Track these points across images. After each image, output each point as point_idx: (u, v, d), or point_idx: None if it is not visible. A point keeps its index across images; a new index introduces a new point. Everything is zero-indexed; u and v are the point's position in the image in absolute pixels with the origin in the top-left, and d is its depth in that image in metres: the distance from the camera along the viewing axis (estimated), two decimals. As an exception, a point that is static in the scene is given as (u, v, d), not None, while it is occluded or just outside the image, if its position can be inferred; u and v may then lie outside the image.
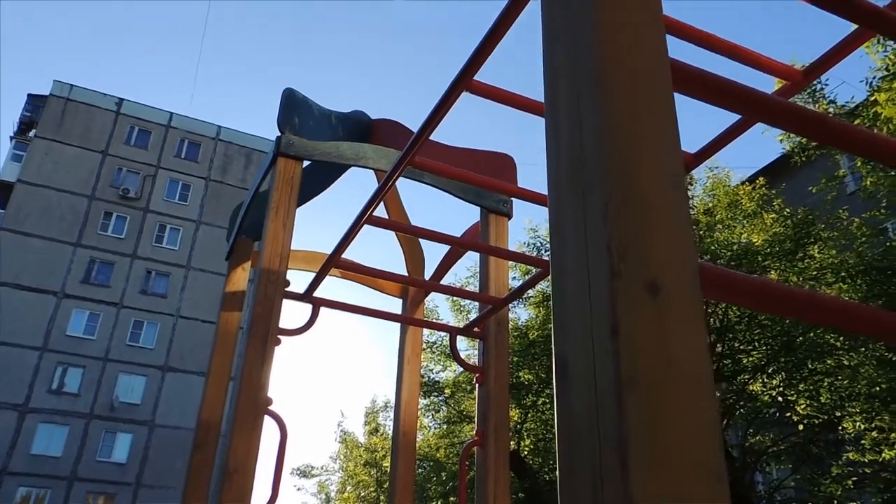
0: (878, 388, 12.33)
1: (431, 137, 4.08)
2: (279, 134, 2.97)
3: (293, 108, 3.13)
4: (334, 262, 2.56)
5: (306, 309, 3.06)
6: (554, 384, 0.66)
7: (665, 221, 0.66)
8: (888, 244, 11.80)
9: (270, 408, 2.89)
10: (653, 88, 0.74)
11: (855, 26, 1.39)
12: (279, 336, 2.87)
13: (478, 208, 3.42)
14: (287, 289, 2.93)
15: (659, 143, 0.71)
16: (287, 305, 2.90)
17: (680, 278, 0.64)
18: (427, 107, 1.84)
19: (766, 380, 14.48)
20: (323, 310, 3.06)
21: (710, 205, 15.58)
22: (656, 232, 0.65)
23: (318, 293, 3.00)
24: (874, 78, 10.82)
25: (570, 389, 0.64)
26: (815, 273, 13.48)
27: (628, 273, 0.63)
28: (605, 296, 0.62)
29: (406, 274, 4.44)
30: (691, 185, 15.47)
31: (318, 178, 3.87)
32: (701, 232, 14.69)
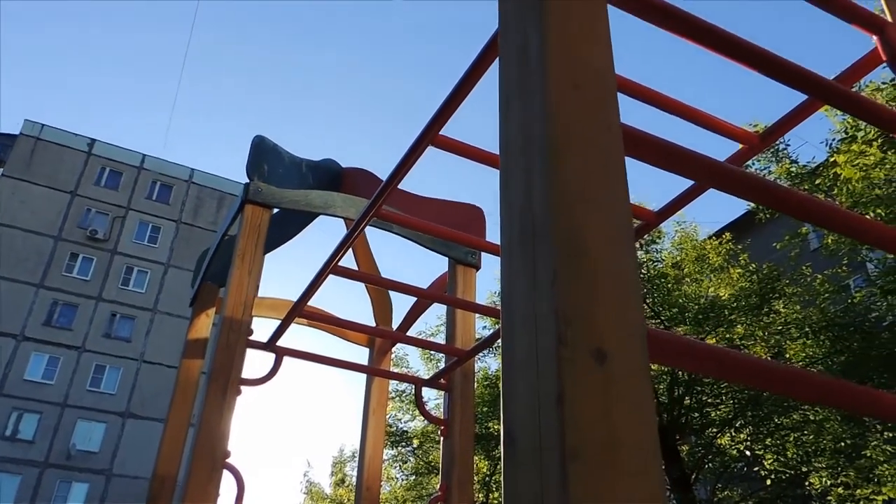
0: (843, 444, 12.41)
1: (404, 187, 4.10)
2: (248, 181, 2.96)
3: (263, 155, 3.13)
4: (298, 312, 2.52)
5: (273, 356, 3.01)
6: (501, 453, 0.65)
7: (614, 287, 0.67)
8: (849, 301, 12.04)
9: (229, 461, 2.81)
10: (604, 154, 0.75)
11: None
12: (241, 386, 2.81)
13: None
14: (251, 337, 2.88)
15: (609, 209, 0.71)
16: (254, 353, 2.85)
17: (627, 345, 0.64)
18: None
19: (733, 434, 14.50)
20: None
21: (679, 258, 15.82)
22: (604, 298, 0.66)
23: (284, 341, 2.95)
24: (833, 140, 11.21)
25: (515, 459, 0.62)
26: (780, 328, 13.68)
27: (575, 340, 0.62)
28: (551, 363, 0.62)
29: (374, 322, 4.41)
30: (660, 239, 15.71)
31: (287, 225, 3.85)
32: (669, 285, 14.87)
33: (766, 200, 1.04)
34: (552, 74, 0.78)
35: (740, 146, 1.79)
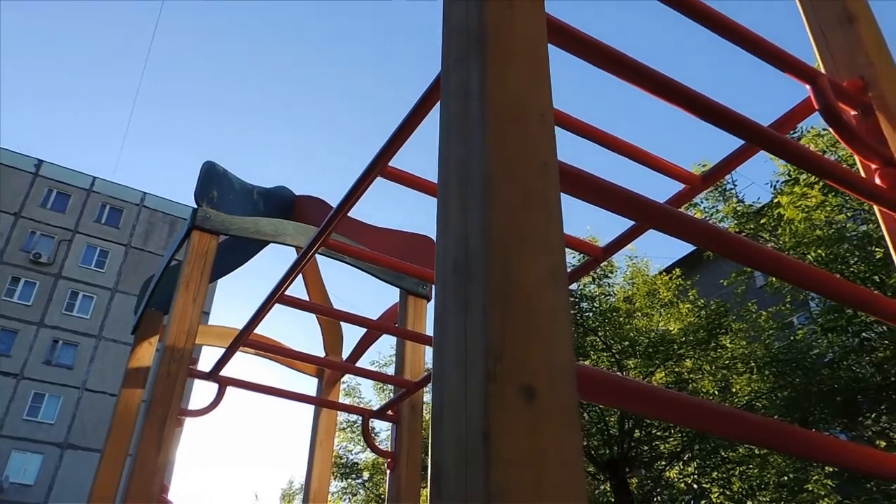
0: (786, 478, 12.65)
1: (358, 217, 4.07)
2: (195, 206, 2.92)
3: (212, 180, 3.09)
4: (243, 341, 2.47)
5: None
6: (428, 490, 0.64)
7: (545, 325, 0.67)
8: (792, 338, 12.38)
9: (167, 496, 2.72)
10: (540, 191, 0.76)
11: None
12: (181, 417, 2.73)
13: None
14: (195, 366, 2.81)
15: (543, 246, 0.72)
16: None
17: (557, 382, 0.64)
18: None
19: (681, 467, 14.65)
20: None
21: (630, 293, 16.07)
22: (535, 335, 0.66)
23: (233, 370, 2.88)
24: (777, 181, 11.62)
25: (441, 496, 0.62)
26: (727, 363, 13.96)
27: (503, 376, 0.62)
28: (480, 399, 0.61)
29: (324, 352, 4.34)
30: (612, 273, 15.97)
31: (237, 252, 3.80)
32: (621, 319, 15.08)
33: (702, 241, 1.07)
34: (491, 111, 0.79)
35: (683, 186, 1.84)
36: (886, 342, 10.41)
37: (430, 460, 0.66)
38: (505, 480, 0.57)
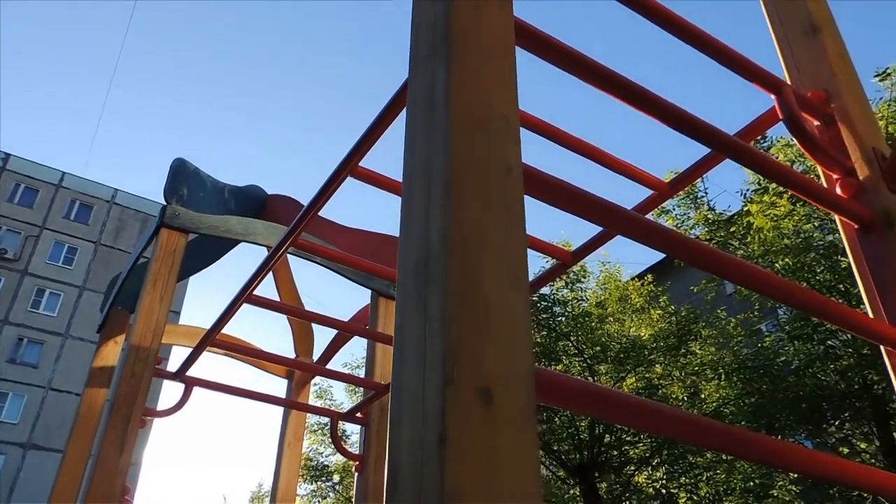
0: (752, 483, 12.82)
1: (331, 217, 4.05)
2: (165, 204, 2.88)
3: (182, 178, 3.05)
4: (210, 341, 2.44)
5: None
6: (384, 493, 0.64)
7: (504, 328, 0.67)
8: (760, 345, 12.57)
9: (129, 498, 2.67)
10: (503, 195, 0.76)
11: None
12: (146, 417, 2.69)
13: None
14: (161, 366, 2.77)
15: (505, 250, 0.72)
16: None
17: (514, 385, 0.64)
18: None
19: (650, 472, 14.78)
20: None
21: (603, 298, 16.20)
22: (494, 338, 0.66)
23: (203, 371, 2.85)
24: (747, 190, 11.81)
25: (395, 500, 0.61)
26: (696, 369, 14.12)
27: (461, 379, 0.62)
28: (437, 402, 0.61)
29: (294, 353, 4.31)
30: (585, 278, 16.08)
31: (207, 251, 3.75)
32: (593, 324, 15.18)
33: (667, 248, 1.07)
34: (455, 114, 0.79)
35: (651, 192, 1.85)
36: (850, 350, 10.62)
37: (387, 462, 0.66)
38: (460, 483, 0.57)
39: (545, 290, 15.37)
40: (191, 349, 3.82)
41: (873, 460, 11.31)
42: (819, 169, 1.50)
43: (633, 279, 16.87)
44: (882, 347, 1.29)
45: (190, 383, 2.76)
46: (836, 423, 11.82)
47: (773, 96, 1.48)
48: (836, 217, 1.44)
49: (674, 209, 13.50)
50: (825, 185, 1.49)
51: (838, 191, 1.43)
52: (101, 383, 3.56)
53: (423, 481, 0.59)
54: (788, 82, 1.63)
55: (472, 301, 0.67)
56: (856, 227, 1.39)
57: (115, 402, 2.48)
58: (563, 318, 15.20)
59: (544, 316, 15.00)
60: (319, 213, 4.15)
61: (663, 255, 20.19)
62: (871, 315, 1.33)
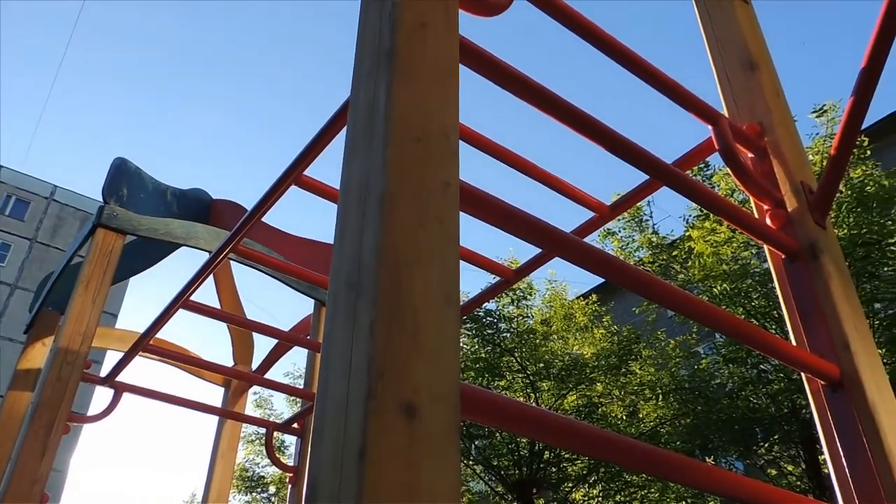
0: (684, 503, 13.08)
1: (279, 225, 3.99)
2: (102, 203, 2.79)
3: (122, 178, 2.97)
4: (143, 346, 2.37)
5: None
6: (302, 506, 0.63)
7: (431, 344, 0.67)
8: (696, 367, 12.89)
9: (47, 506, 2.56)
10: (438, 211, 0.77)
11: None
12: (71, 423, 2.59)
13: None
14: (90, 370, 2.68)
15: (437, 265, 0.72)
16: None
17: (439, 401, 0.64)
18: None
19: (587, 489, 14.95)
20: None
21: (548, 315, 16.37)
22: (421, 354, 0.66)
23: (139, 375, 2.77)
24: (690, 216, 12.14)
25: (313, 514, 0.60)
26: (635, 388, 14.38)
27: (384, 394, 0.62)
28: (359, 416, 0.61)
29: (233, 361, 4.22)
30: (531, 295, 16.23)
31: (145, 253, 3.65)
32: (537, 341, 15.32)
33: (600, 270, 1.09)
34: (394, 127, 0.79)
35: (593, 215, 1.89)
36: (781, 375, 10.99)
37: (307, 474, 0.65)
38: (377, 498, 0.57)
39: (491, 305, 15.45)
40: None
41: (799, 482, 11.69)
42: (751, 200, 1.55)
43: (578, 298, 17.11)
44: (803, 374, 1.34)
45: (120, 389, 2.67)
46: (766, 445, 12.18)
47: (709, 127, 1.53)
48: (766, 246, 1.50)
49: (619, 231, 13.78)
50: (756, 215, 1.55)
51: (768, 221, 1.49)
52: (26, 386, 3.41)
53: (341, 496, 0.59)
54: (727, 115, 1.70)
55: (400, 315, 0.67)
56: (783, 256, 1.45)
57: (39, 406, 2.39)
58: (509, 335, 15.30)
59: (489, 331, 15.07)
60: (268, 222, 4.10)
61: (608, 276, 20.52)
62: (794, 342, 1.38)
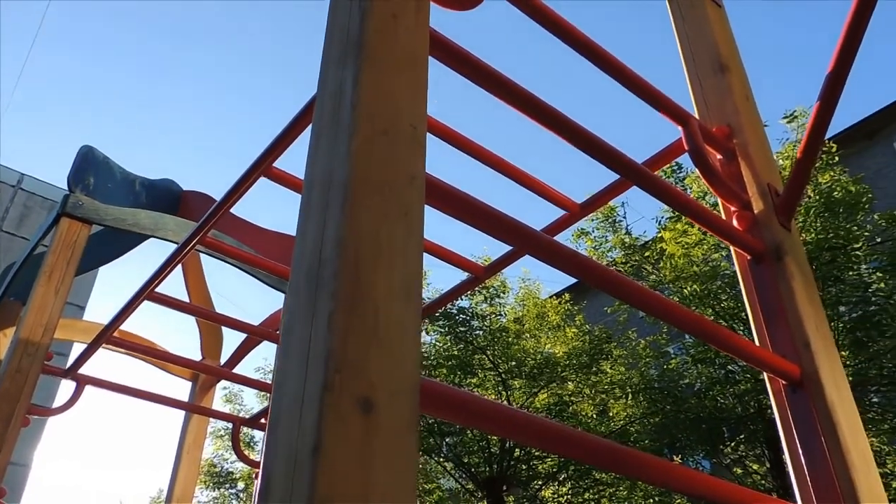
0: (651, 501, 13.24)
1: (257, 220, 3.94)
2: (68, 192, 2.74)
3: (89, 166, 2.91)
4: (106, 338, 2.33)
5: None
6: (255, 502, 0.62)
7: (391, 338, 0.66)
8: (665, 367, 13.05)
9: (2, 501, 2.51)
10: (403, 204, 0.76)
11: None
12: (30, 416, 2.54)
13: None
14: (52, 362, 2.62)
15: (398, 259, 0.72)
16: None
17: (397, 396, 0.64)
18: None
19: (557, 487, 15.06)
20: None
21: (521, 314, 16.44)
22: (380, 348, 0.65)
23: (105, 368, 2.71)
24: (663, 217, 12.27)
25: (265, 509, 0.59)
26: (606, 387, 14.51)
27: (342, 387, 0.61)
28: (314, 410, 0.60)
29: (200, 355, 4.17)
30: (504, 293, 16.29)
31: (112, 244, 3.59)
32: (510, 339, 15.38)
33: (569, 269, 1.09)
34: (361, 118, 0.78)
35: (564, 213, 1.90)
36: (748, 375, 11.16)
37: (261, 469, 0.64)
38: (331, 493, 0.56)
39: (465, 303, 15.48)
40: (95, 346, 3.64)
41: (763, 481, 11.89)
42: (719, 201, 1.57)
43: (551, 297, 17.20)
44: (765, 374, 1.36)
45: (82, 382, 2.62)
46: (732, 444, 12.37)
47: (679, 128, 1.54)
48: (732, 248, 1.51)
49: (593, 231, 13.89)
50: (724, 216, 1.56)
51: (735, 223, 1.50)
52: (-14, 378, 3.34)
53: (293, 491, 0.58)
54: (697, 117, 1.71)
55: (360, 309, 0.66)
56: (748, 258, 1.46)
57: (-3, 398, 2.33)
58: (481, 332, 15.33)
59: (462, 329, 15.10)
60: (239, 215, 4.04)
61: (581, 276, 20.67)
62: (757, 343, 1.40)
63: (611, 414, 14.66)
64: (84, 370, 2.74)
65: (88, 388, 2.82)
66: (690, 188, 11.63)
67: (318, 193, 0.77)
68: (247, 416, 4.16)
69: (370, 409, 0.61)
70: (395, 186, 0.76)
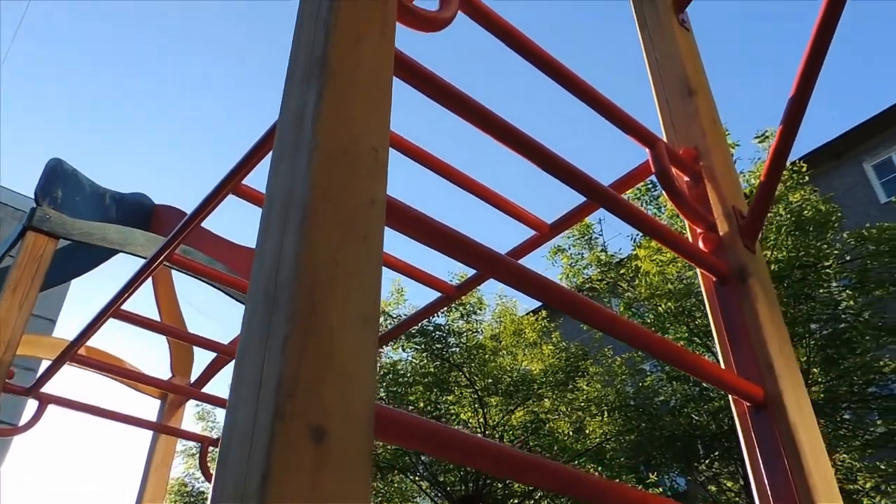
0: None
1: (233, 236, 3.90)
2: (34, 206, 2.69)
3: (57, 179, 2.87)
4: (70, 356, 2.28)
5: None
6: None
7: (346, 363, 0.65)
8: (640, 384, 13.12)
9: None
10: (362, 227, 0.75)
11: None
12: (-10, 435, 2.48)
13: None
14: (13, 381, 2.56)
15: (356, 283, 0.71)
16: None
17: (351, 423, 0.63)
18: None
19: (532, 505, 15.01)
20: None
21: (498, 331, 16.45)
22: (335, 373, 0.64)
23: (74, 385, 2.66)
24: (638, 235, 12.39)
25: (212, 541, 0.58)
26: (582, 404, 14.54)
27: (293, 414, 0.60)
28: (265, 437, 0.59)
29: (171, 372, 4.10)
30: (481, 310, 16.30)
31: (80, 259, 3.53)
32: (486, 356, 15.37)
33: (535, 292, 1.09)
34: (322, 141, 0.78)
35: (534, 233, 1.90)
36: (722, 393, 11.25)
37: (210, 497, 0.63)
38: (278, 525, 0.55)
39: (441, 320, 15.45)
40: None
41: (737, 498, 11.96)
42: (686, 223, 1.58)
43: (528, 314, 17.24)
44: (730, 396, 1.37)
45: (44, 400, 2.56)
46: (707, 461, 12.44)
47: (647, 150, 1.56)
48: (698, 270, 1.53)
49: (569, 248, 13.98)
50: (690, 238, 1.58)
51: (700, 245, 1.52)
52: (-54, 396, 3.25)
53: (242, 522, 0.57)
54: (665, 139, 1.73)
55: (316, 333, 0.65)
56: (714, 279, 1.48)
57: (-44, 417, 2.27)
58: (458, 349, 15.30)
59: (439, 346, 15.06)
60: (213, 231, 4.00)
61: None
62: (722, 365, 1.41)
63: (587, 431, 14.67)
64: (51, 388, 2.69)
65: (54, 407, 2.75)
66: (665, 206, 11.76)
67: (276, 214, 0.76)
68: (217, 436, 4.10)
69: (322, 437, 0.61)
70: (355, 209, 0.76)
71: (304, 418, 0.60)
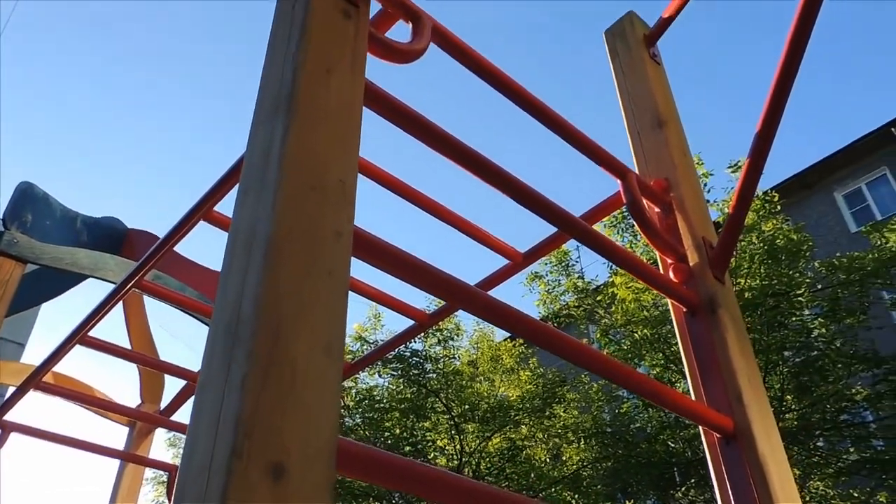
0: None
1: (210, 262, 3.85)
2: (2, 230, 2.65)
3: (27, 203, 2.83)
4: (35, 384, 2.23)
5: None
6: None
7: (308, 398, 0.65)
8: (617, 411, 13.12)
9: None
10: (328, 261, 0.75)
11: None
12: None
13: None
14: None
15: (321, 317, 0.70)
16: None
17: (311, 460, 0.62)
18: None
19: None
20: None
21: (475, 357, 16.37)
22: (295, 409, 0.63)
23: (39, 411, 2.59)
24: (614, 262, 12.46)
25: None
26: (559, 431, 14.48)
27: (252, 452, 0.59)
28: (222, 475, 0.58)
29: (140, 399, 4.02)
30: (458, 336, 16.24)
31: (50, 283, 3.47)
32: (463, 382, 15.27)
33: (505, 324, 1.09)
34: (288, 174, 0.78)
35: (507, 262, 1.91)
36: (698, 420, 11.26)
37: (165, 540, 0.61)
38: (233, 567, 0.54)
39: (418, 345, 15.36)
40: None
41: (714, 526, 11.94)
42: (657, 253, 1.60)
43: (505, 340, 17.20)
44: (700, 427, 1.37)
45: (7, 429, 2.50)
46: (683, 489, 12.42)
47: (618, 181, 1.57)
48: (669, 301, 1.54)
49: (547, 275, 14.02)
50: (661, 269, 1.59)
51: (671, 275, 1.53)
52: None
53: (195, 564, 0.55)
54: (637, 170, 1.75)
55: (277, 369, 0.64)
56: (684, 310, 1.49)
57: (-87, 447, 2.20)
58: (435, 375, 15.19)
59: (415, 372, 14.95)
60: (187, 256, 3.96)
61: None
62: (693, 396, 1.41)
63: (564, 458, 14.60)
64: (16, 415, 2.62)
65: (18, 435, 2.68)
66: (640, 235, 11.88)
67: (240, 249, 0.75)
68: (176, 465, 4.02)
69: (281, 474, 0.60)
70: (321, 243, 0.75)
71: (263, 456, 0.59)
